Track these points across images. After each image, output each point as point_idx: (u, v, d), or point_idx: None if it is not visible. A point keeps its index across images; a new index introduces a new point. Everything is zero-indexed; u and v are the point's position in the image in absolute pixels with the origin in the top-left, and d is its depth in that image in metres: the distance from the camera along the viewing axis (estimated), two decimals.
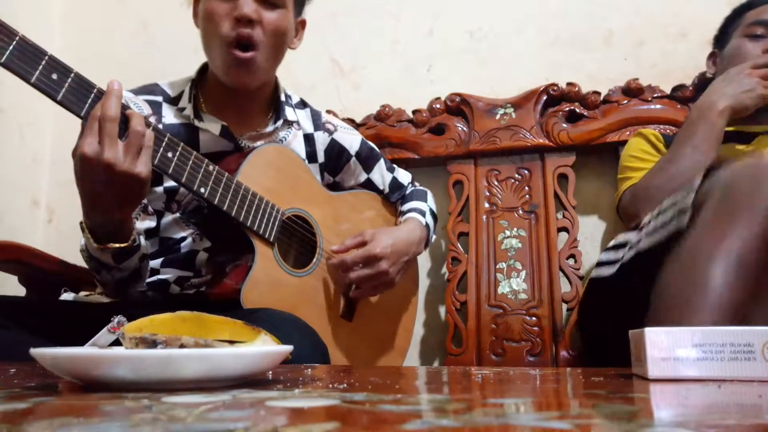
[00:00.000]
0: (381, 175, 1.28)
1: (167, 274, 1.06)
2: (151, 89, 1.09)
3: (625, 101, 1.42)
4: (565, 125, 1.44)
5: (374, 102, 1.59)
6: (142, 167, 0.80)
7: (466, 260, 1.43)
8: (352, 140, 1.24)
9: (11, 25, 0.76)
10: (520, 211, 1.44)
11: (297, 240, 1.12)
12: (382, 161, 1.29)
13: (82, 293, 1.28)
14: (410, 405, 0.35)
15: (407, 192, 1.33)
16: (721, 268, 0.75)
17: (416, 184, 1.36)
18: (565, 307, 1.35)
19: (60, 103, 0.78)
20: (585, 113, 1.44)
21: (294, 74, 1.66)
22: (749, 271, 0.75)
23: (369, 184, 1.27)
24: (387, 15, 1.68)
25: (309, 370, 0.65)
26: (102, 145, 0.77)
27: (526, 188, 1.45)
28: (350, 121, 1.56)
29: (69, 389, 0.44)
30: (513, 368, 0.71)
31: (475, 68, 1.60)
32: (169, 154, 0.87)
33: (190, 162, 0.89)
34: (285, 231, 1.07)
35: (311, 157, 1.19)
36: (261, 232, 0.99)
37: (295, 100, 1.20)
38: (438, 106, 1.53)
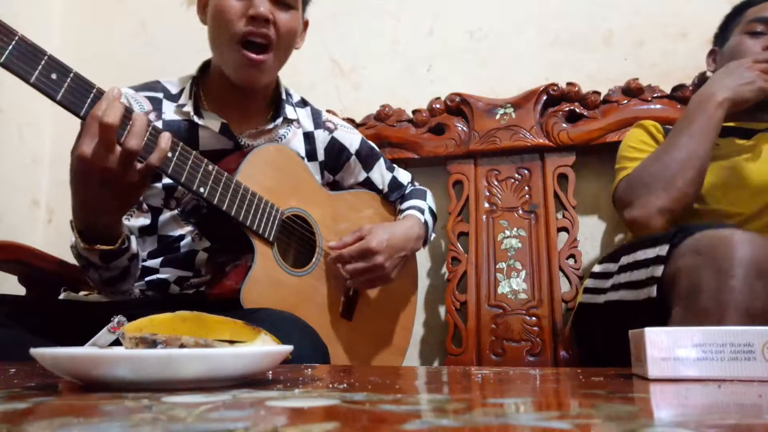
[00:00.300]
0: (381, 175, 1.28)
1: (167, 274, 1.06)
2: (152, 86, 1.09)
3: (625, 101, 1.42)
4: (565, 125, 1.44)
5: (374, 102, 1.58)
6: (137, 175, 0.80)
7: (466, 260, 1.43)
8: (352, 139, 1.24)
9: (11, 25, 0.76)
10: (520, 211, 1.44)
11: (296, 239, 1.12)
12: (381, 160, 1.29)
13: (82, 293, 1.28)
14: (410, 405, 0.35)
15: (407, 191, 1.33)
16: None
17: (416, 183, 1.36)
18: (565, 307, 1.35)
19: (59, 103, 0.78)
20: (585, 113, 1.44)
21: (294, 74, 1.65)
22: None
23: (368, 183, 1.27)
24: (387, 15, 1.68)
25: (309, 370, 0.65)
26: (99, 148, 0.77)
27: (526, 188, 1.45)
28: (350, 121, 1.56)
29: (69, 389, 0.44)
30: (513, 368, 0.71)
31: (475, 68, 1.60)
32: (169, 154, 0.87)
33: (190, 161, 0.89)
34: (284, 231, 1.07)
35: (311, 155, 1.19)
36: (260, 231, 0.99)
37: (295, 98, 1.20)
38: (438, 106, 1.52)
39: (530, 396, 0.41)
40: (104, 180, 0.79)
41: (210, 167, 0.92)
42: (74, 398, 0.40)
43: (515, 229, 1.43)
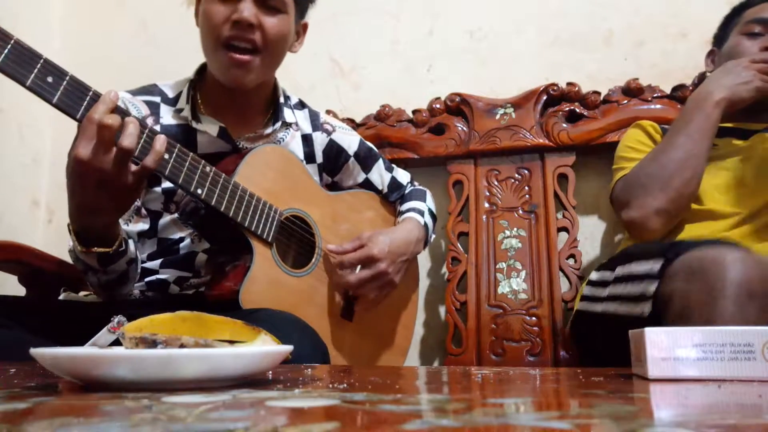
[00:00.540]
0: (380, 175, 1.28)
1: (166, 275, 1.06)
2: (149, 90, 1.09)
3: (625, 101, 1.42)
4: (565, 125, 1.44)
5: (374, 102, 1.58)
6: (133, 177, 0.80)
7: (466, 260, 1.43)
8: (350, 140, 1.24)
9: (10, 27, 0.76)
10: (520, 211, 1.44)
11: (296, 240, 1.12)
12: (380, 161, 1.29)
13: (82, 293, 1.28)
14: (410, 405, 0.35)
15: (406, 192, 1.32)
16: None
17: (415, 183, 1.36)
18: (565, 307, 1.35)
19: (56, 106, 0.78)
20: (585, 113, 1.44)
21: (294, 74, 1.65)
22: None
23: (368, 185, 1.27)
24: (387, 15, 1.68)
25: (309, 370, 0.65)
26: (96, 151, 0.77)
27: (526, 188, 1.45)
28: (350, 121, 1.56)
29: (69, 389, 0.44)
30: (513, 368, 0.71)
31: (475, 68, 1.60)
32: (166, 156, 0.87)
33: (187, 163, 0.89)
34: (283, 231, 1.07)
35: (309, 157, 1.19)
36: (259, 232, 0.99)
37: (293, 101, 1.20)
38: (438, 106, 1.52)
39: (530, 396, 0.41)
40: (100, 182, 0.78)
41: (207, 168, 0.92)
42: (74, 398, 0.40)
43: (515, 229, 1.43)
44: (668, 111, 1.38)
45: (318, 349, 0.92)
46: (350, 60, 1.68)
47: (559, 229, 1.41)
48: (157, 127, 1.04)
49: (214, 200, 0.92)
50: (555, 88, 1.46)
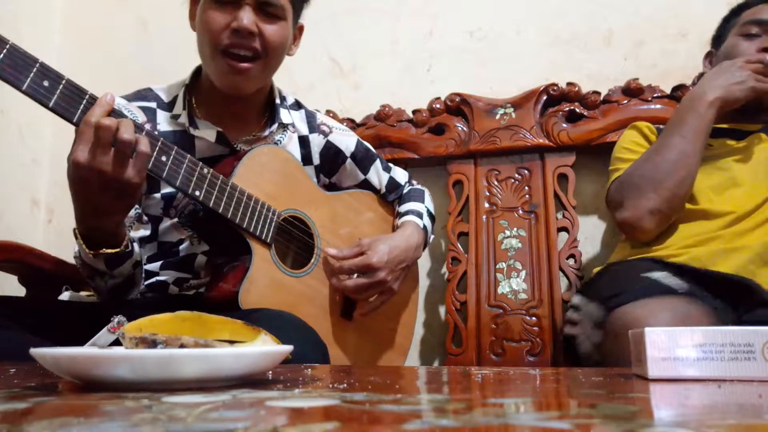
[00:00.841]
0: (378, 176, 1.28)
1: (166, 276, 1.06)
2: (144, 95, 1.08)
3: (625, 101, 1.42)
4: (565, 125, 1.44)
5: (374, 102, 1.58)
6: (133, 174, 0.80)
7: (466, 260, 1.43)
8: (347, 142, 1.23)
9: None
10: (520, 211, 1.44)
11: (294, 241, 1.12)
12: (378, 161, 1.28)
13: (83, 293, 1.28)
14: (410, 405, 0.35)
15: (404, 192, 1.32)
16: None
17: (414, 182, 1.36)
18: (564, 307, 1.35)
19: (52, 110, 0.78)
20: (585, 113, 1.44)
21: (293, 74, 1.65)
22: None
23: (366, 185, 1.27)
24: (387, 15, 1.68)
25: (309, 370, 0.65)
26: (94, 153, 0.77)
27: (526, 188, 1.45)
28: (350, 122, 1.56)
29: (69, 389, 0.44)
30: (513, 368, 0.71)
31: (475, 68, 1.60)
32: (163, 158, 0.87)
33: (184, 166, 0.89)
34: (282, 232, 1.07)
35: (306, 159, 1.18)
36: (257, 233, 0.99)
37: (290, 101, 1.20)
38: (438, 106, 1.52)
39: (530, 396, 0.41)
40: (102, 183, 0.79)
41: (205, 170, 0.92)
42: (74, 398, 0.40)
43: (515, 229, 1.43)
44: (668, 111, 1.38)
45: (318, 349, 0.92)
46: (350, 60, 1.68)
47: (559, 229, 1.41)
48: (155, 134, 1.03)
49: (212, 202, 0.92)
50: (555, 88, 1.46)
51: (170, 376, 0.42)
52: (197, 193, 0.91)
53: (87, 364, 0.43)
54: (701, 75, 1.35)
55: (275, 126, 1.12)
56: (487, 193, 1.47)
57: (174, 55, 1.63)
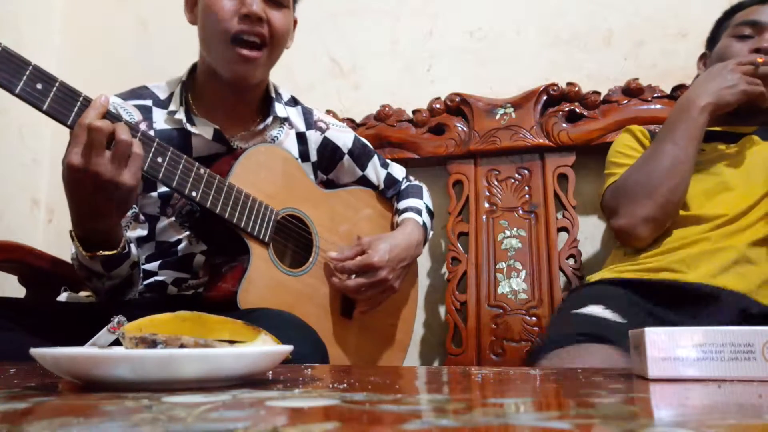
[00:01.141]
0: (375, 172, 1.28)
1: (164, 276, 1.06)
2: (139, 93, 1.08)
3: (625, 101, 1.42)
4: (565, 125, 1.44)
5: (374, 102, 1.58)
6: (128, 176, 0.80)
7: (466, 260, 1.43)
8: (345, 138, 1.23)
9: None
10: (520, 211, 1.44)
11: (293, 240, 1.12)
12: (375, 158, 1.28)
13: (83, 293, 1.28)
14: (410, 405, 0.35)
15: (402, 188, 1.32)
16: None
17: (411, 178, 1.36)
18: None
19: (46, 113, 0.78)
20: (585, 113, 1.44)
21: (294, 74, 1.66)
22: None
23: (364, 181, 1.27)
24: (387, 15, 1.68)
25: (309, 370, 0.65)
26: (89, 155, 0.77)
27: (526, 188, 1.45)
28: (350, 122, 1.56)
29: (69, 389, 0.44)
30: (513, 368, 0.71)
31: (475, 68, 1.60)
32: (159, 159, 0.86)
33: (181, 166, 0.89)
34: (280, 231, 1.07)
35: (304, 156, 1.18)
36: (255, 233, 0.99)
37: (286, 97, 1.19)
38: (438, 106, 1.52)
39: (530, 396, 0.41)
40: (97, 185, 0.78)
41: (201, 171, 0.92)
42: (74, 398, 0.40)
43: (515, 229, 1.43)
44: (668, 111, 1.37)
45: (318, 348, 0.92)
46: (350, 60, 1.68)
47: (559, 229, 1.41)
48: (151, 133, 1.03)
49: (209, 202, 0.92)
50: (555, 88, 1.46)
51: (170, 376, 0.42)
52: (194, 193, 0.90)
53: (87, 364, 0.43)
54: (697, 77, 1.35)
55: (269, 119, 1.11)
56: (487, 193, 1.47)
57: (174, 55, 1.63)
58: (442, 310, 1.51)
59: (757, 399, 0.39)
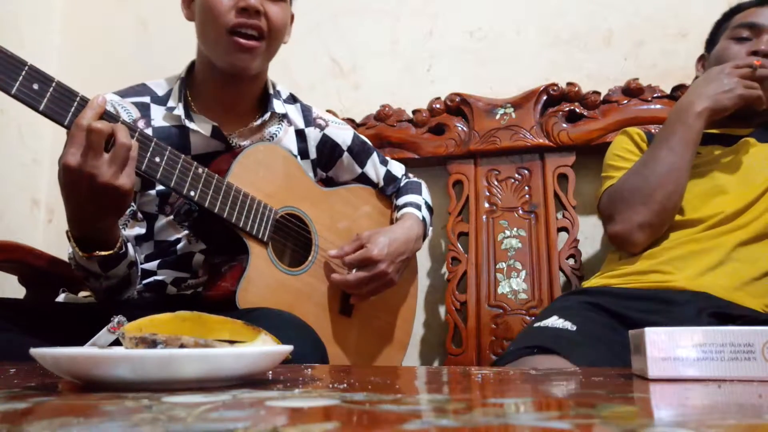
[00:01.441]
0: (374, 169, 1.28)
1: (163, 276, 1.06)
2: (138, 90, 1.08)
3: (625, 101, 1.42)
4: (565, 125, 1.44)
5: (374, 102, 1.58)
6: (125, 179, 0.79)
7: (466, 260, 1.43)
8: (344, 135, 1.23)
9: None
10: (520, 211, 1.44)
11: (292, 239, 1.12)
12: (374, 155, 1.28)
13: (82, 294, 1.28)
14: (410, 405, 0.35)
15: (401, 184, 1.32)
16: None
17: (410, 175, 1.36)
18: None
19: (43, 113, 0.77)
20: (585, 113, 1.44)
21: (294, 74, 1.66)
22: None
23: (363, 179, 1.27)
24: (387, 15, 1.68)
25: (309, 370, 0.65)
26: (86, 156, 0.77)
27: (526, 188, 1.45)
28: (350, 121, 1.56)
29: (69, 389, 0.44)
30: (513, 368, 0.71)
31: (475, 68, 1.60)
32: (157, 159, 0.86)
33: (179, 166, 0.89)
34: (279, 230, 1.07)
35: (303, 153, 1.18)
36: (254, 232, 0.99)
37: (285, 94, 1.19)
38: (438, 106, 1.52)
39: (530, 396, 0.41)
40: (94, 187, 0.78)
41: (200, 170, 0.92)
42: (74, 398, 0.40)
43: (515, 229, 1.43)
44: (668, 111, 1.37)
45: (317, 348, 0.92)
46: (350, 60, 1.68)
47: (559, 229, 1.41)
48: (149, 130, 1.03)
49: (207, 202, 0.92)
50: (555, 88, 1.46)
51: (170, 376, 0.42)
52: (192, 193, 0.90)
53: (87, 364, 0.43)
54: (695, 78, 1.35)
55: (267, 115, 1.11)
56: (487, 193, 1.47)
57: (174, 55, 1.62)
58: (442, 310, 1.51)
59: (757, 399, 0.39)
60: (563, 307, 1.02)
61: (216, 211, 0.93)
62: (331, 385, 0.48)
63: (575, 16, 1.55)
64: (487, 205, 1.46)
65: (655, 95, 1.41)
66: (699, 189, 1.11)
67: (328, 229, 1.16)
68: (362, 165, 1.26)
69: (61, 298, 1.26)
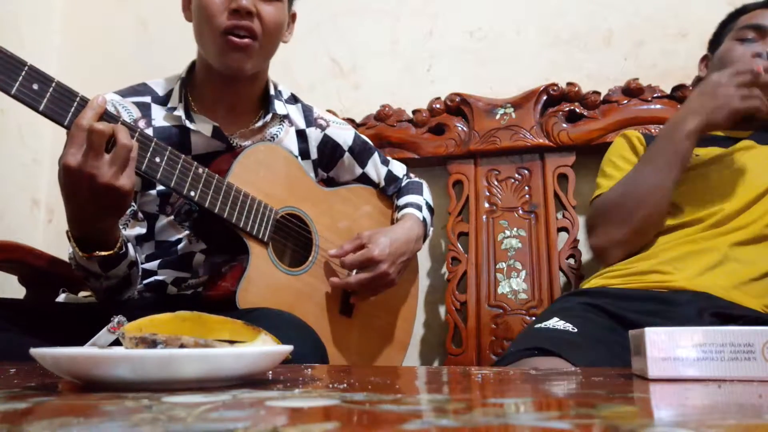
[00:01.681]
0: (376, 169, 1.28)
1: (164, 276, 1.06)
2: (138, 90, 1.08)
3: (625, 101, 1.42)
4: (565, 125, 1.44)
5: (374, 102, 1.58)
6: (126, 180, 0.79)
7: (466, 260, 1.43)
8: (345, 135, 1.23)
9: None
10: (520, 211, 1.44)
11: (292, 239, 1.12)
12: (376, 155, 1.28)
13: (82, 294, 1.28)
14: (410, 405, 0.35)
15: (402, 185, 1.32)
16: None
17: (411, 175, 1.36)
18: None
19: (42, 113, 0.77)
20: (585, 113, 1.44)
21: (294, 74, 1.66)
22: None
23: (364, 179, 1.27)
24: (387, 15, 1.68)
25: (309, 370, 0.65)
26: (86, 157, 0.77)
27: (526, 188, 1.45)
28: (350, 121, 1.56)
29: (69, 389, 0.44)
30: (513, 368, 0.71)
31: (475, 68, 1.60)
32: (157, 159, 0.86)
33: (179, 166, 0.89)
34: (279, 230, 1.07)
35: (304, 153, 1.18)
36: (254, 232, 0.99)
37: (286, 95, 1.19)
38: (438, 106, 1.52)
39: (530, 396, 0.41)
40: (94, 188, 0.78)
41: (200, 170, 0.92)
42: (74, 398, 0.40)
43: (515, 229, 1.43)
44: (668, 111, 1.38)
45: (317, 348, 0.92)
46: (350, 60, 1.68)
47: (559, 229, 1.41)
48: (149, 130, 1.03)
49: (207, 202, 0.92)
50: (555, 88, 1.46)
51: (170, 376, 0.42)
52: (192, 193, 0.90)
53: (87, 364, 0.43)
54: (698, 78, 1.35)
55: (269, 117, 1.11)
56: (487, 193, 1.47)
57: (174, 55, 1.62)
58: (442, 310, 1.51)
59: (757, 399, 0.39)
60: (563, 308, 1.02)
61: (216, 211, 0.93)
62: (331, 385, 0.48)
63: (575, 16, 1.55)
64: (487, 205, 1.46)
65: (655, 95, 1.41)
66: (699, 190, 1.11)
67: (328, 229, 1.16)
68: (363, 165, 1.25)
69: (61, 298, 1.26)
